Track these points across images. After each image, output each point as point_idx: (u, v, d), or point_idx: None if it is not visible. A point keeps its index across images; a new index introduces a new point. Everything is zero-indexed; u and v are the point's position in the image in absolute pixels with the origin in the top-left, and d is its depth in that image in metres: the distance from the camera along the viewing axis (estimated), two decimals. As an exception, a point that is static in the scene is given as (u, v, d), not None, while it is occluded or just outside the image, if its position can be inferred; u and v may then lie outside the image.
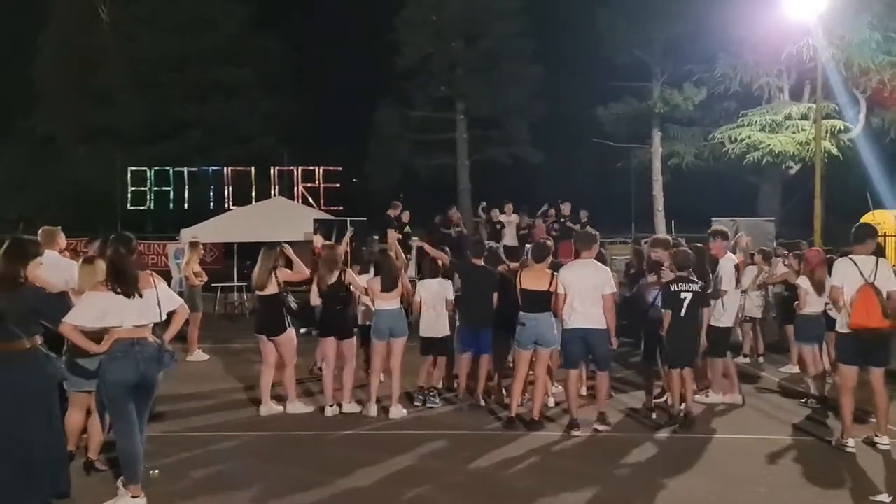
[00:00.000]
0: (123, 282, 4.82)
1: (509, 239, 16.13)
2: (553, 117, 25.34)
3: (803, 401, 7.93)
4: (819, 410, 7.58)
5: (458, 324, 7.70)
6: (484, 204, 18.03)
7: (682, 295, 6.78)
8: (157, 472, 5.52)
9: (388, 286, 7.27)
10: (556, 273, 6.92)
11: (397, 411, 7.29)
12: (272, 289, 7.35)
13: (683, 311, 6.76)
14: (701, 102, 21.00)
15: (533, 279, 6.91)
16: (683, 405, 6.96)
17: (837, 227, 18.06)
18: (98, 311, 4.75)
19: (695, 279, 6.87)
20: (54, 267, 6.02)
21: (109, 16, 25.79)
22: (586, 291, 6.68)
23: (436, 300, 7.67)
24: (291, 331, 7.45)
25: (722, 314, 7.57)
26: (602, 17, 21.64)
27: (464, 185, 25.65)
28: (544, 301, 6.85)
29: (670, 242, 7.74)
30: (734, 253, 8.69)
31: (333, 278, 7.33)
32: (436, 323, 7.67)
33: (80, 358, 5.32)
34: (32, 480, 4.51)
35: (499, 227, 16.42)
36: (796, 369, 9.49)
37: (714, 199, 21.44)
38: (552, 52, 24.87)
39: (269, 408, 7.44)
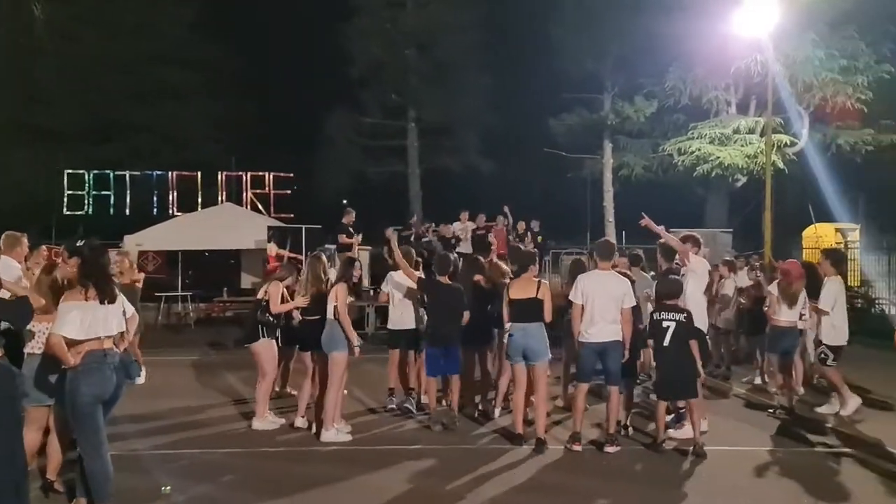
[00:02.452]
0: (104, 288, 4.73)
1: (464, 247, 16.00)
2: (505, 127, 25.50)
3: (771, 411, 8.00)
4: (788, 421, 7.67)
5: (424, 346, 7.53)
6: (414, 219, 17.90)
7: (665, 324, 6.57)
8: (168, 488, 5.43)
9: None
10: (543, 281, 6.83)
11: (329, 435, 6.79)
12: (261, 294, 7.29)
13: (667, 341, 6.55)
14: (651, 115, 21.41)
15: (520, 288, 6.79)
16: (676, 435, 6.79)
17: (781, 238, 18.79)
18: (80, 320, 4.62)
19: (681, 308, 6.68)
20: (5, 273, 5.88)
21: (44, 13, 24.79)
22: (606, 304, 6.54)
23: (403, 291, 7.69)
24: (265, 342, 7.25)
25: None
26: (555, 30, 21.87)
27: (415, 193, 25.65)
28: (533, 310, 6.68)
29: (699, 240, 7.59)
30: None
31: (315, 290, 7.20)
32: (403, 314, 7.73)
33: (41, 371, 5.10)
34: None
35: (453, 241, 16.28)
36: (758, 380, 9.63)
37: (663, 210, 21.32)
38: (505, 62, 25.08)
39: (262, 422, 7.24)
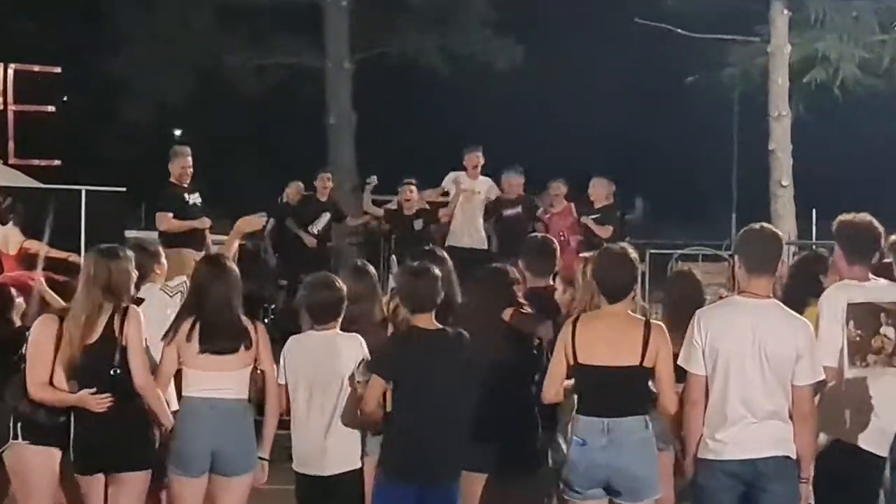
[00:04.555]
0: None
1: (467, 234, 16.56)
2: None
3: None
4: None
5: (377, 472, 7.74)
6: (374, 181, 18.46)
7: None
8: None
9: (218, 343, 7.55)
10: (654, 322, 7.11)
11: None
12: None
13: None
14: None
15: (600, 337, 7.01)
16: None
17: None
18: None
19: None
20: None
21: None
22: (759, 374, 6.65)
23: (323, 377, 7.81)
24: (23, 451, 7.65)
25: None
26: None
27: (339, 117, 25.64)
28: (631, 388, 6.97)
29: None
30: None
31: (96, 333, 7.42)
32: (324, 436, 7.81)
33: None
34: None
35: (419, 224, 16.86)
36: None
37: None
38: None
39: None
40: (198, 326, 7.50)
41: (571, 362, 7.01)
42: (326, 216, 17.99)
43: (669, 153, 24.69)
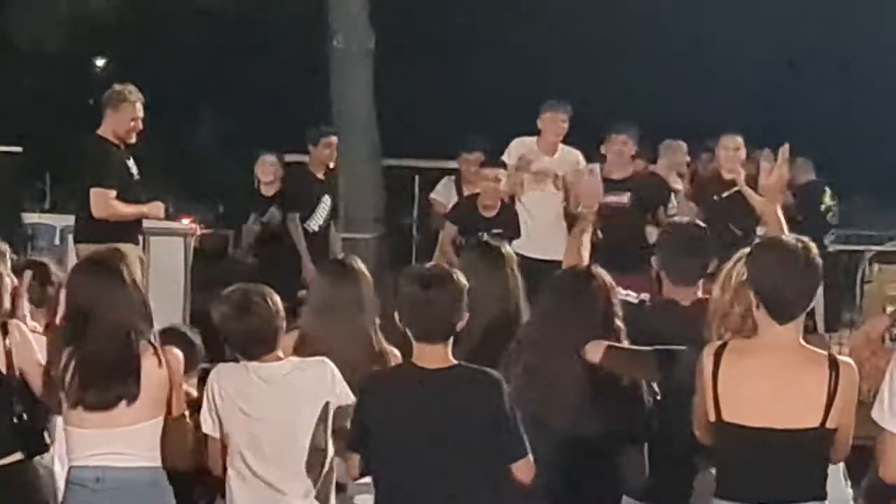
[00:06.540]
0: None
1: (541, 238, 15.54)
2: None
3: None
4: None
5: None
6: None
7: None
8: None
9: (91, 392, 7.77)
10: (844, 360, 7.07)
11: None
12: None
13: None
14: None
15: (768, 386, 6.86)
16: None
17: None
18: None
19: None
20: None
21: None
22: None
23: (269, 433, 8.35)
24: None
25: None
26: None
27: (350, 39, 25.23)
28: (808, 464, 7.01)
29: None
30: None
31: None
32: None
33: None
34: None
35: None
36: None
37: None
38: None
39: None
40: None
41: (712, 418, 6.85)
42: (327, 202, 17.16)
43: (852, 100, 23.05)
